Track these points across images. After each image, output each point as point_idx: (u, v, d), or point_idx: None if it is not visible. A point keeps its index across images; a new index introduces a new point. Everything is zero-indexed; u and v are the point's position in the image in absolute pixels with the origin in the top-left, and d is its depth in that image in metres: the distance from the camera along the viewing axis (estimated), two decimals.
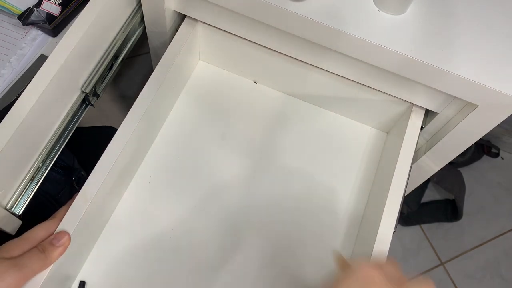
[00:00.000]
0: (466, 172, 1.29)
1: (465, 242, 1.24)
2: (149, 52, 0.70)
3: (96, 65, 0.59)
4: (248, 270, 0.57)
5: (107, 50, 0.60)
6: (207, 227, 0.58)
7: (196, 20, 0.61)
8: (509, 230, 1.27)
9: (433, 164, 0.63)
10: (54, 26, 0.58)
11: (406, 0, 0.50)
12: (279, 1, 0.50)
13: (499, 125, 0.52)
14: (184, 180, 0.61)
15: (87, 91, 0.58)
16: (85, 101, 0.59)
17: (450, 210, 1.26)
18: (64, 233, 0.47)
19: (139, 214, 0.58)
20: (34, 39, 0.59)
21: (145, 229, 0.57)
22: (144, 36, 0.66)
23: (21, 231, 0.54)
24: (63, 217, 0.48)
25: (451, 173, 1.25)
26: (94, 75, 0.59)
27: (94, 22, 0.54)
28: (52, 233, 0.47)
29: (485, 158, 1.34)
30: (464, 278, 1.20)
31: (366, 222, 0.59)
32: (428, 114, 0.60)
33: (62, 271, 0.49)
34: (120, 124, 0.54)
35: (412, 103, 0.59)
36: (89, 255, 0.55)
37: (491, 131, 0.53)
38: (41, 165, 0.55)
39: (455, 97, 0.52)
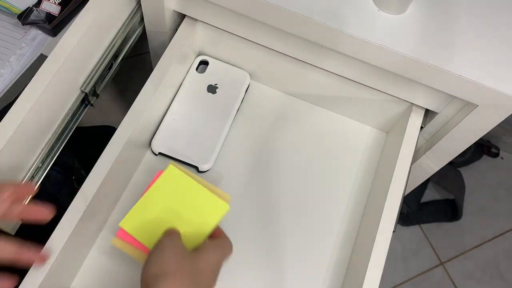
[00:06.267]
0: (466, 172, 1.29)
1: (465, 242, 1.24)
2: (149, 51, 0.70)
3: (96, 65, 0.59)
4: (247, 270, 0.57)
5: (106, 49, 0.60)
6: None
7: (196, 19, 0.61)
8: (509, 230, 1.27)
9: (433, 164, 0.63)
10: (54, 25, 0.58)
11: (406, 0, 0.50)
12: (279, 0, 0.50)
13: (499, 125, 0.52)
14: None
15: (87, 90, 0.58)
16: (84, 101, 0.59)
17: (450, 210, 1.26)
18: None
19: None
20: (34, 39, 0.59)
21: None
22: (144, 35, 0.66)
23: (21, 231, 0.54)
24: None
25: (451, 173, 1.25)
26: (94, 74, 0.59)
27: (93, 22, 0.54)
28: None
29: (485, 158, 1.34)
30: (464, 278, 1.20)
31: (366, 222, 0.58)
32: (428, 114, 0.60)
33: (55, 279, 0.49)
34: (119, 123, 0.54)
35: (412, 103, 0.59)
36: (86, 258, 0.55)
37: (491, 131, 0.53)
38: (40, 164, 0.55)
39: (455, 97, 0.52)
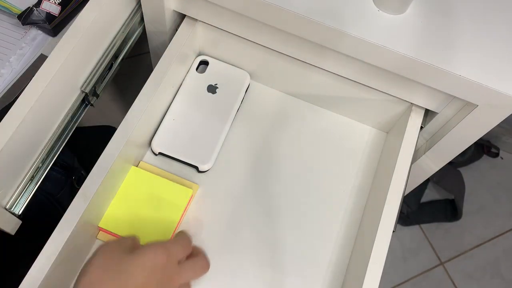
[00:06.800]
0: (466, 172, 1.29)
1: (465, 242, 1.24)
2: (149, 52, 0.70)
3: (96, 65, 0.59)
4: (247, 270, 0.57)
5: (106, 49, 0.60)
6: (204, 225, 0.58)
7: (196, 19, 0.61)
8: (509, 230, 1.27)
9: (433, 164, 0.63)
10: (54, 25, 0.58)
11: (406, 0, 0.50)
12: (278, 0, 0.50)
13: (499, 125, 0.52)
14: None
15: (87, 90, 0.58)
16: (84, 101, 0.59)
17: (449, 210, 1.26)
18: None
19: None
20: (34, 39, 0.59)
21: None
22: (144, 36, 0.66)
23: (21, 231, 0.54)
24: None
25: (451, 173, 1.25)
26: (94, 74, 0.59)
27: (93, 22, 0.54)
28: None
29: (484, 158, 1.34)
30: (464, 278, 1.21)
31: (365, 222, 0.59)
32: (428, 113, 0.60)
33: (55, 279, 0.49)
34: (119, 123, 0.54)
35: (412, 103, 0.59)
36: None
37: (491, 131, 0.53)
38: (40, 164, 0.55)
39: (455, 97, 0.52)
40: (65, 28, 0.60)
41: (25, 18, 0.57)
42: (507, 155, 1.35)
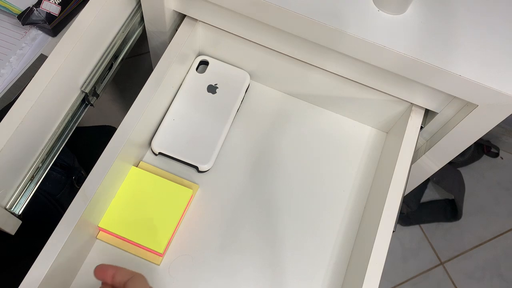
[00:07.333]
0: (466, 172, 1.29)
1: (465, 242, 1.24)
2: (149, 52, 0.70)
3: (96, 65, 0.59)
4: (247, 270, 0.57)
5: (106, 50, 0.60)
6: (204, 226, 0.58)
7: (196, 19, 0.61)
8: (509, 230, 1.27)
9: (433, 164, 0.63)
10: (54, 25, 0.58)
11: (406, 0, 0.50)
12: (279, 0, 0.50)
13: (498, 125, 0.52)
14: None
15: (87, 90, 0.58)
16: (84, 101, 0.59)
17: (449, 210, 1.26)
18: None
19: None
20: (34, 39, 0.59)
21: None
22: (144, 36, 0.66)
23: (21, 231, 0.54)
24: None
25: (451, 173, 1.25)
26: (94, 75, 0.59)
27: (93, 22, 0.54)
28: None
29: (484, 158, 1.34)
30: (464, 278, 1.21)
31: (365, 222, 0.59)
32: (428, 114, 0.60)
33: (55, 279, 0.49)
34: (119, 123, 0.54)
35: (412, 103, 0.59)
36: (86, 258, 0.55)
37: (490, 131, 0.53)
38: (40, 164, 0.55)
39: (455, 97, 0.52)
40: (65, 28, 0.60)
41: (25, 18, 0.57)
42: (507, 155, 1.35)
